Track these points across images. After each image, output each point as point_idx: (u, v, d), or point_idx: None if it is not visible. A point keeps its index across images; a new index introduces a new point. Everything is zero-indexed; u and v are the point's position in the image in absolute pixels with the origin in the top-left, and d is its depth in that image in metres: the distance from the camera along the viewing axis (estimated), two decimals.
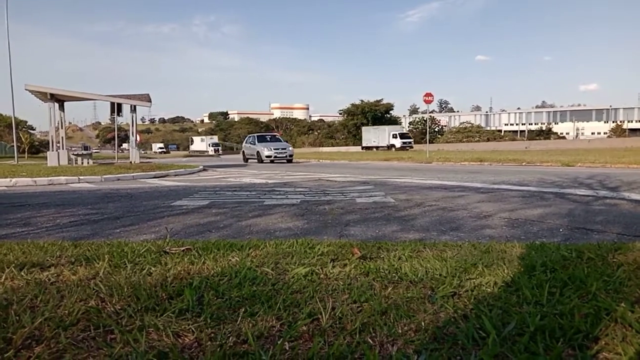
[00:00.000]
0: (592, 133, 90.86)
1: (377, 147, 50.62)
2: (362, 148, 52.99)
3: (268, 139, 23.70)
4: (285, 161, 21.35)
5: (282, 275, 2.00)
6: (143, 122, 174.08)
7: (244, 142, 25.04)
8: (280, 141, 23.58)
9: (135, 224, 3.95)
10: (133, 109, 18.42)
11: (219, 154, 57.91)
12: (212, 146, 65.52)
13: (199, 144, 71.72)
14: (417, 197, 5.75)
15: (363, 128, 57.36)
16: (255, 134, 25.60)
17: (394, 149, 45.88)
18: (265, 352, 1.27)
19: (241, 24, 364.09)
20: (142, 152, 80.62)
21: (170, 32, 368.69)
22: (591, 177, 8.59)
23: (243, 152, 24.42)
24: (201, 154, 62.38)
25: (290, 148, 22.63)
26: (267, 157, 21.06)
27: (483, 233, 3.38)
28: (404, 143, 47.80)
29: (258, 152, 21.75)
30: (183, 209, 4.95)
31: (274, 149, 21.41)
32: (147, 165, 15.61)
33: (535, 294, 1.67)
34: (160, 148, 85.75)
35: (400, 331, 1.41)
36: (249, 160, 23.17)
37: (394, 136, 49.81)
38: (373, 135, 52.78)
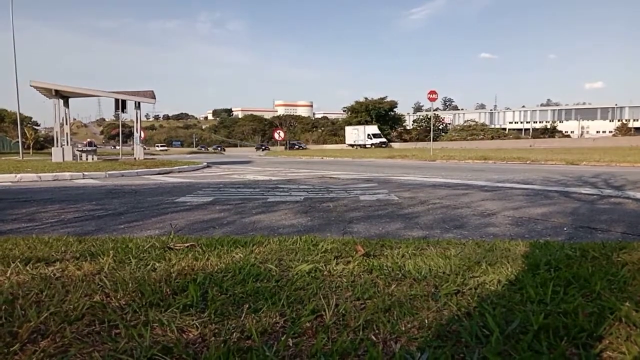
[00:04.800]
0: (597, 132, 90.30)
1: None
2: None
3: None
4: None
5: (286, 272, 2.00)
6: (147, 118, 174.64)
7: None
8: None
9: (140, 220, 3.97)
10: (137, 106, 18.47)
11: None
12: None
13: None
14: (420, 195, 5.74)
15: None
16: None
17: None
18: (269, 348, 1.27)
19: (246, 21, 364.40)
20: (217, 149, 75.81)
21: (175, 29, 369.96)
22: (596, 175, 8.54)
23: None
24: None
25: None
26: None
27: (487, 231, 3.37)
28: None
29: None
30: (187, 205, 4.97)
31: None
32: (151, 161, 15.67)
33: (539, 292, 1.67)
34: (262, 145, 74.36)
35: (403, 328, 1.41)
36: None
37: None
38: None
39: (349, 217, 4.03)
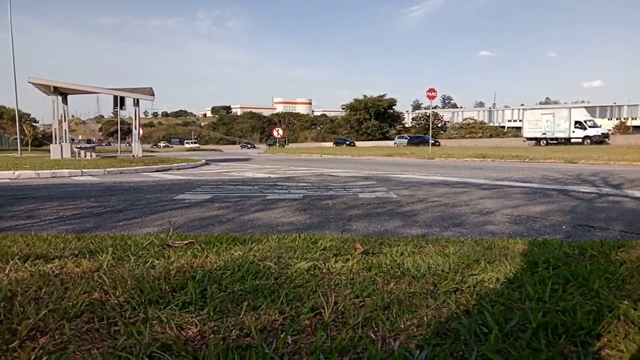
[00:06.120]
0: None
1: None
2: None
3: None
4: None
5: (285, 270, 2.00)
6: (146, 115, 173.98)
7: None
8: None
9: (138, 217, 3.97)
10: (136, 103, 18.41)
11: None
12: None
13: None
14: (419, 192, 5.74)
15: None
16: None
17: None
18: (268, 346, 1.27)
19: (245, 19, 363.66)
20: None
21: (174, 26, 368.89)
22: (594, 174, 8.55)
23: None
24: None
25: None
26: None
27: (485, 229, 3.37)
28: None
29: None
30: (186, 202, 4.96)
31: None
32: (149, 158, 15.63)
33: (538, 290, 1.67)
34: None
35: (402, 326, 1.41)
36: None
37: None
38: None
39: (347, 215, 4.03)
